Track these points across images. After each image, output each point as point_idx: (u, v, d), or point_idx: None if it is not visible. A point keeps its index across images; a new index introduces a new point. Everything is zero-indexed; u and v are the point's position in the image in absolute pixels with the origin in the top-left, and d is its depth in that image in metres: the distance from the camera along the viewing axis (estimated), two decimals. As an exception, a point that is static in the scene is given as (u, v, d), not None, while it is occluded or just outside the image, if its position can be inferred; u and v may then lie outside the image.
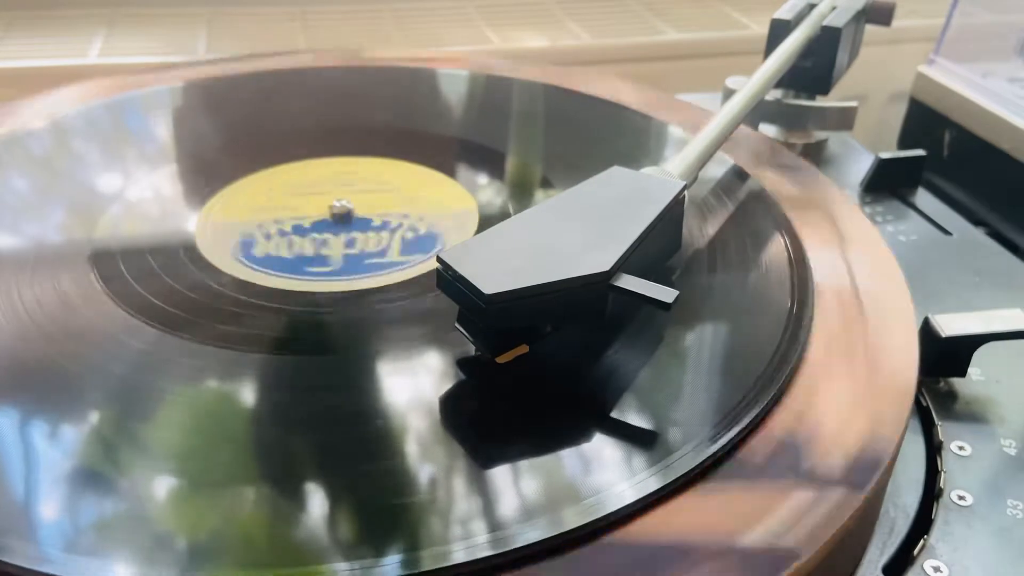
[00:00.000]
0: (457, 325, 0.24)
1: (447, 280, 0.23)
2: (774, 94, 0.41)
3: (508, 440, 0.21)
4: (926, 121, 0.53)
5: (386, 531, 0.18)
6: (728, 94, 0.40)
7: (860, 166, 0.42)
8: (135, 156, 0.35)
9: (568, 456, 0.20)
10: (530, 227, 0.24)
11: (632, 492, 0.19)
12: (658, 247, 0.26)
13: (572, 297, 0.22)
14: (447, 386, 0.23)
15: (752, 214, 0.31)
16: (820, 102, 0.40)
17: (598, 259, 0.23)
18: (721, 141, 0.30)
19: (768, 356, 0.23)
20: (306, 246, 0.29)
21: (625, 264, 0.23)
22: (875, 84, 0.65)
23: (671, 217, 0.26)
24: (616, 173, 0.27)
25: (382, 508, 0.19)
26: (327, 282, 0.27)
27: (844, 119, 0.39)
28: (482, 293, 0.21)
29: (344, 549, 0.18)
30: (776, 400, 0.22)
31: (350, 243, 0.30)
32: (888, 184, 0.40)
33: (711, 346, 0.25)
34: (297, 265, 0.28)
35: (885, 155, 0.39)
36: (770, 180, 0.33)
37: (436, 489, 0.19)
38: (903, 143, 0.55)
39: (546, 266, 0.22)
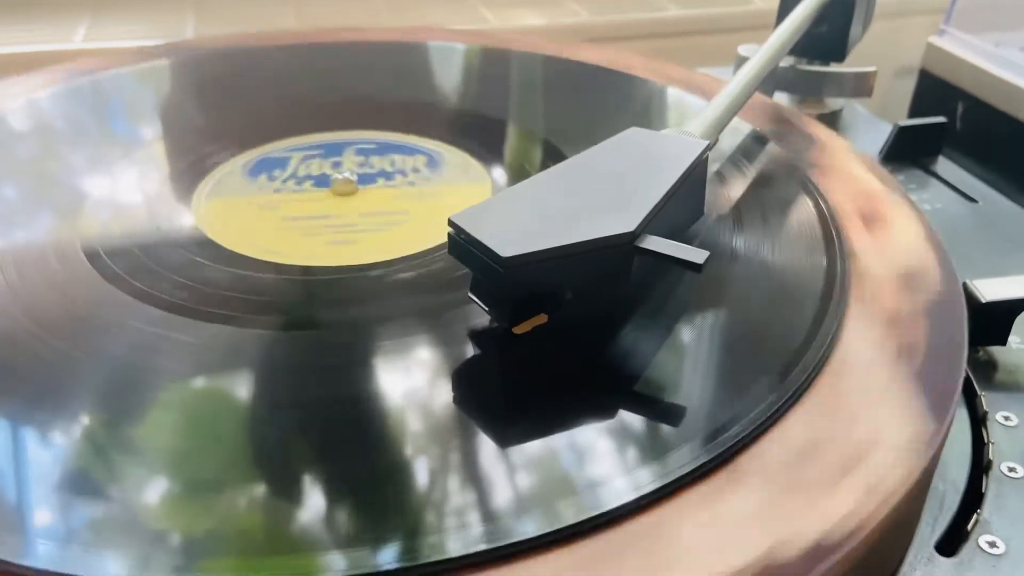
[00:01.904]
0: (471, 294, 0.22)
1: (459, 244, 0.21)
2: (787, 61, 0.39)
3: (527, 416, 0.19)
4: (938, 93, 0.51)
5: (401, 516, 0.17)
6: (740, 62, 0.39)
7: (875, 136, 0.40)
8: (104, 143, 0.33)
9: (592, 434, 0.19)
10: (546, 189, 0.23)
11: (668, 473, 0.17)
12: (681, 212, 0.25)
13: (594, 260, 0.21)
14: (460, 360, 0.21)
15: (777, 180, 0.29)
16: (836, 68, 0.39)
17: (622, 220, 0.21)
18: (743, 101, 0.29)
19: (806, 327, 0.22)
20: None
21: (648, 227, 0.21)
22: (881, 59, 0.63)
23: (694, 179, 0.24)
24: (634, 134, 0.25)
25: (389, 492, 0.17)
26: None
27: (862, 85, 0.38)
28: (499, 256, 0.20)
29: (349, 537, 0.16)
30: (816, 372, 0.20)
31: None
32: (908, 153, 0.38)
33: (743, 315, 0.23)
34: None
35: (904, 123, 0.38)
36: (792, 145, 0.32)
37: (451, 471, 0.18)
38: (913, 117, 0.54)
39: (566, 228, 0.21)
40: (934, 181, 0.37)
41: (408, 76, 0.40)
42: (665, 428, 0.19)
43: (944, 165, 0.38)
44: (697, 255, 0.20)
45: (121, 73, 0.39)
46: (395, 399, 0.20)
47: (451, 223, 0.21)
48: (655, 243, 0.21)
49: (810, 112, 0.40)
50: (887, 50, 0.63)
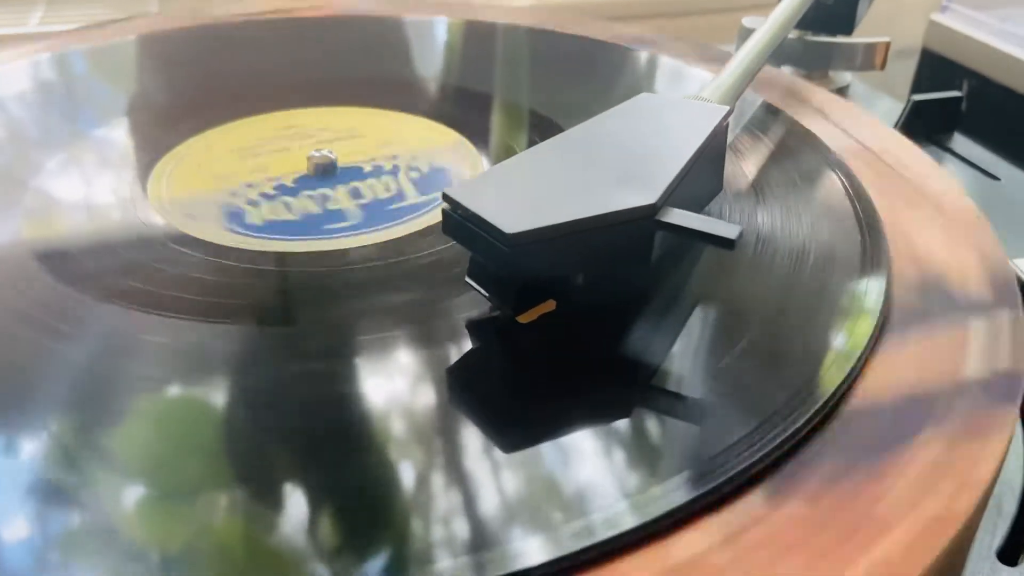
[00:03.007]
0: (468, 279, 0.19)
1: (456, 222, 0.18)
2: (793, 33, 0.37)
3: (535, 418, 0.17)
4: (941, 72, 0.49)
5: (391, 529, 0.14)
6: (745, 35, 0.36)
7: (884, 113, 0.38)
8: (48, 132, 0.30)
9: (612, 435, 0.16)
10: (552, 161, 0.20)
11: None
12: (700, 186, 0.22)
13: (611, 237, 0.18)
14: (458, 354, 0.19)
15: (797, 154, 0.27)
16: (846, 39, 0.36)
17: (641, 191, 0.18)
18: (758, 67, 0.26)
19: (842, 309, 0.19)
20: (308, 205, 0.25)
21: (668, 201, 0.19)
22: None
23: (714, 149, 0.22)
24: (646, 100, 0.23)
25: (381, 503, 0.15)
26: (355, 237, 0.23)
27: (872, 57, 0.36)
28: (503, 233, 0.17)
29: (333, 551, 0.14)
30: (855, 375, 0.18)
31: (356, 193, 0.25)
32: (923, 129, 0.36)
33: (778, 294, 0.20)
34: (311, 225, 0.24)
35: (919, 97, 0.36)
36: (808, 117, 0.29)
37: (453, 480, 0.15)
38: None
39: (578, 202, 0.18)
40: (951, 158, 0.35)
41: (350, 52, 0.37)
42: (685, 431, 0.16)
43: (960, 142, 0.36)
44: (729, 229, 0.18)
45: (61, 56, 0.35)
46: (384, 400, 0.17)
47: (446, 197, 0.18)
48: (679, 216, 0.18)
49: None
50: (885, 31, 0.61)
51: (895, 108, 0.38)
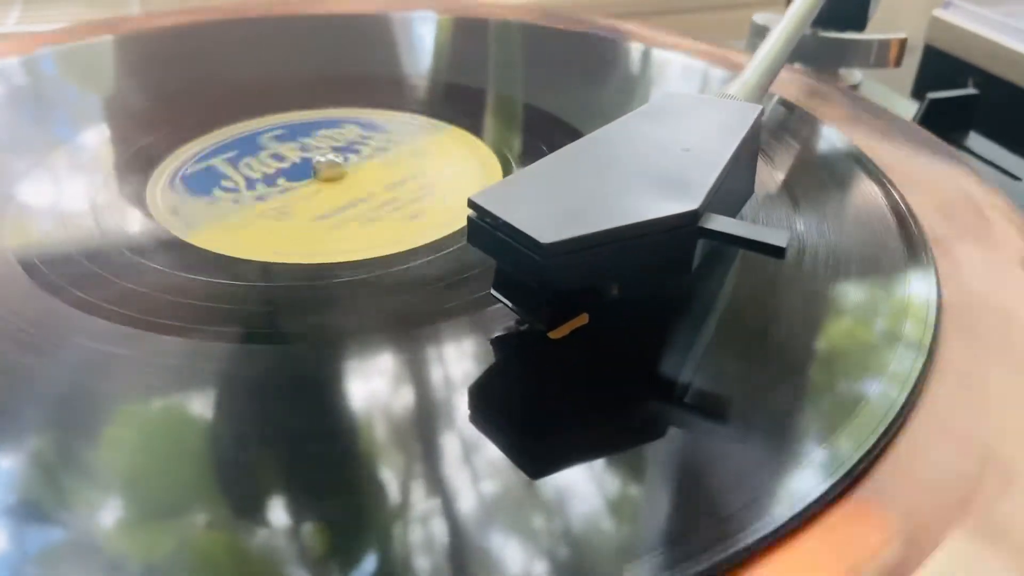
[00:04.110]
0: (494, 292, 0.18)
1: (483, 230, 0.17)
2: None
3: (568, 443, 0.16)
4: (944, 69, 0.48)
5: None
6: (757, 31, 0.35)
7: (898, 112, 0.37)
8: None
9: (669, 463, 0.15)
10: (580, 165, 0.19)
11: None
12: (734, 189, 0.21)
13: (650, 247, 0.17)
14: (481, 371, 0.17)
15: (825, 156, 0.26)
16: (859, 35, 0.35)
17: (681, 197, 0.17)
18: (781, 63, 0.25)
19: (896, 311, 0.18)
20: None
21: (709, 207, 0.18)
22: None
23: (748, 150, 0.21)
24: (671, 99, 0.22)
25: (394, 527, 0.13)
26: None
27: (888, 54, 0.35)
28: (537, 243, 0.16)
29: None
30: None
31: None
32: (938, 128, 0.35)
33: (829, 301, 0.19)
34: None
35: (935, 95, 0.35)
36: (832, 117, 0.28)
37: (476, 510, 0.14)
38: (917, 95, 0.51)
39: (614, 209, 0.17)
40: (970, 158, 0.34)
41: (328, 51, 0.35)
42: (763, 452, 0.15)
43: (976, 140, 0.35)
44: (778, 236, 0.16)
45: (45, 55, 0.34)
46: (402, 420, 0.16)
47: (472, 204, 0.17)
48: (723, 223, 0.17)
49: (827, 87, 0.37)
50: (884, 26, 0.60)
51: (909, 107, 0.37)
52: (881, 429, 0.15)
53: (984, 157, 0.34)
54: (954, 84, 0.47)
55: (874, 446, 0.15)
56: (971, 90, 0.35)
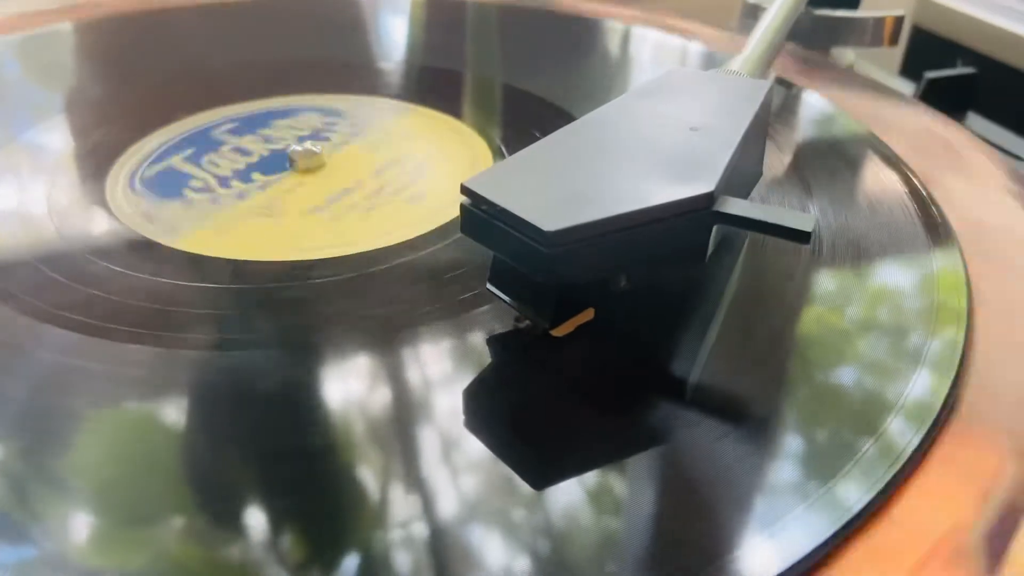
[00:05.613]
0: (490, 286, 0.16)
1: (478, 219, 0.15)
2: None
3: (572, 449, 0.14)
4: (933, 50, 0.47)
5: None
6: (748, 11, 0.34)
7: (892, 93, 0.36)
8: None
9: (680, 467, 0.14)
10: (581, 147, 0.17)
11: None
12: (744, 171, 0.19)
13: (661, 234, 0.15)
14: (479, 374, 0.16)
15: (832, 135, 0.24)
16: (854, 13, 0.34)
17: (693, 180, 0.16)
18: (782, 39, 0.24)
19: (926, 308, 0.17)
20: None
21: (724, 190, 0.16)
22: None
23: (758, 129, 0.19)
24: (676, 75, 0.20)
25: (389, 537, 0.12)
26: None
27: (883, 32, 0.33)
28: (541, 231, 0.14)
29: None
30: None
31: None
32: (937, 108, 0.34)
33: (857, 293, 0.18)
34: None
35: (933, 74, 0.34)
36: (835, 95, 0.27)
37: (471, 521, 0.12)
38: (907, 76, 0.50)
39: (622, 194, 0.15)
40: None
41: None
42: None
43: (976, 121, 0.34)
44: (802, 220, 0.15)
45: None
46: (402, 420, 0.14)
47: (465, 190, 0.15)
48: (741, 207, 0.16)
49: (820, 67, 0.36)
50: (869, 5, 0.59)
51: (904, 87, 0.36)
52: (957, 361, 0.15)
53: (988, 139, 0.33)
54: (943, 65, 0.46)
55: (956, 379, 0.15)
56: (969, 69, 0.34)
